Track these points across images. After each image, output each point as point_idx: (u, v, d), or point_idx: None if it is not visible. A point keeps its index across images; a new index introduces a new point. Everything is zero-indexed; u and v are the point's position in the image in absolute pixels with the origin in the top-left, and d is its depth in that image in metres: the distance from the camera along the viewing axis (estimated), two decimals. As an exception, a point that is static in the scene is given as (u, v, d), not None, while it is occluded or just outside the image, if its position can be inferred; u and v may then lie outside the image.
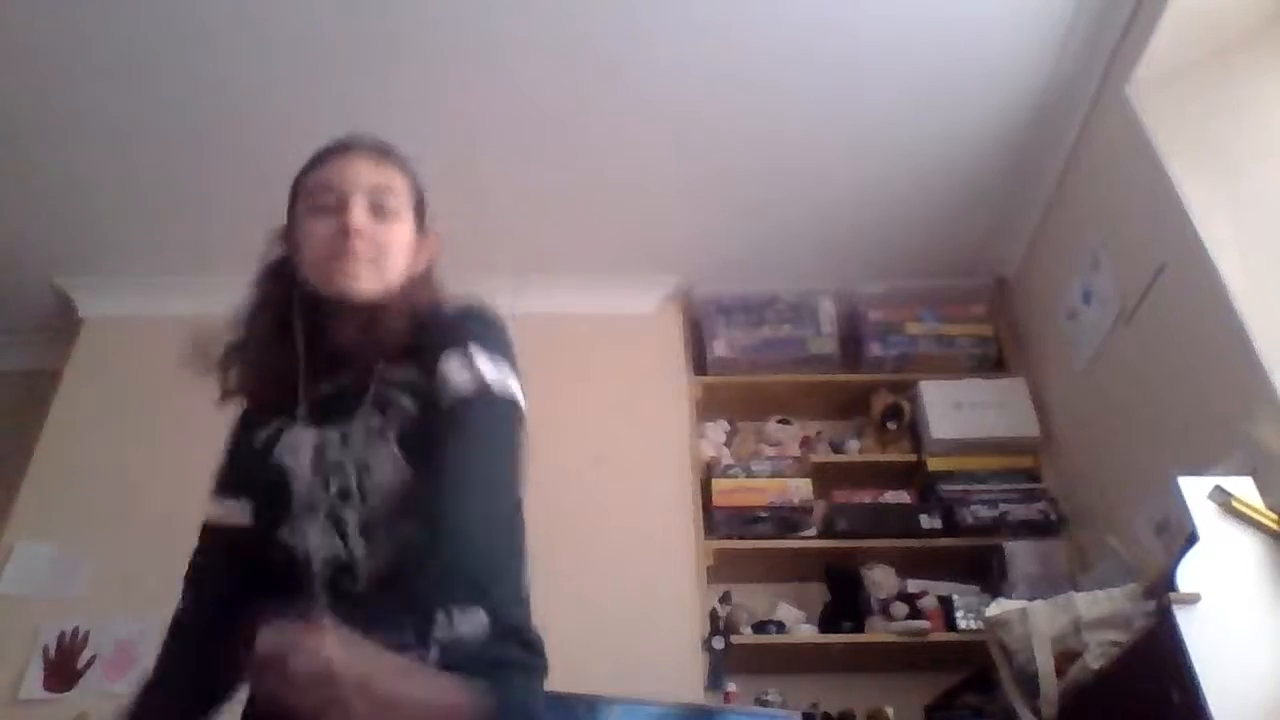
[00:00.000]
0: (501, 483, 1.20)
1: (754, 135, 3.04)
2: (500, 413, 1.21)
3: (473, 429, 1.18)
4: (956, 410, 3.27)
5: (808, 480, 3.19)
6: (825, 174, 3.18)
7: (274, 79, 2.84)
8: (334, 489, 1.24)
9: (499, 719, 1.05)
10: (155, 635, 3.01)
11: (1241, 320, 2.18)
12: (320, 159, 1.43)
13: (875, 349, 3.45)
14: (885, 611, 2.99)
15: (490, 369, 1.21)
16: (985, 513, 3.09)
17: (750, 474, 3.20)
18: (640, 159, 3.13)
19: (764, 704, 2.90)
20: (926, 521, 3.11)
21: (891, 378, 3.44)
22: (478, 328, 1.28)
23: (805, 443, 3.41)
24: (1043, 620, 2.15)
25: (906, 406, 3.36)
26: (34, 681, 2.84)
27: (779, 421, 3.45)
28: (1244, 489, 1.87)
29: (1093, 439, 3.00)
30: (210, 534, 1.42)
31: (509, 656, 1.23)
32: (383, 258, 1.32)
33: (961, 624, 2.93)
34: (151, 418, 3.31)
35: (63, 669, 2.87)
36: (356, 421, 1.26)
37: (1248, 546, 1.82)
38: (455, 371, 1.20)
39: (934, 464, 3.24)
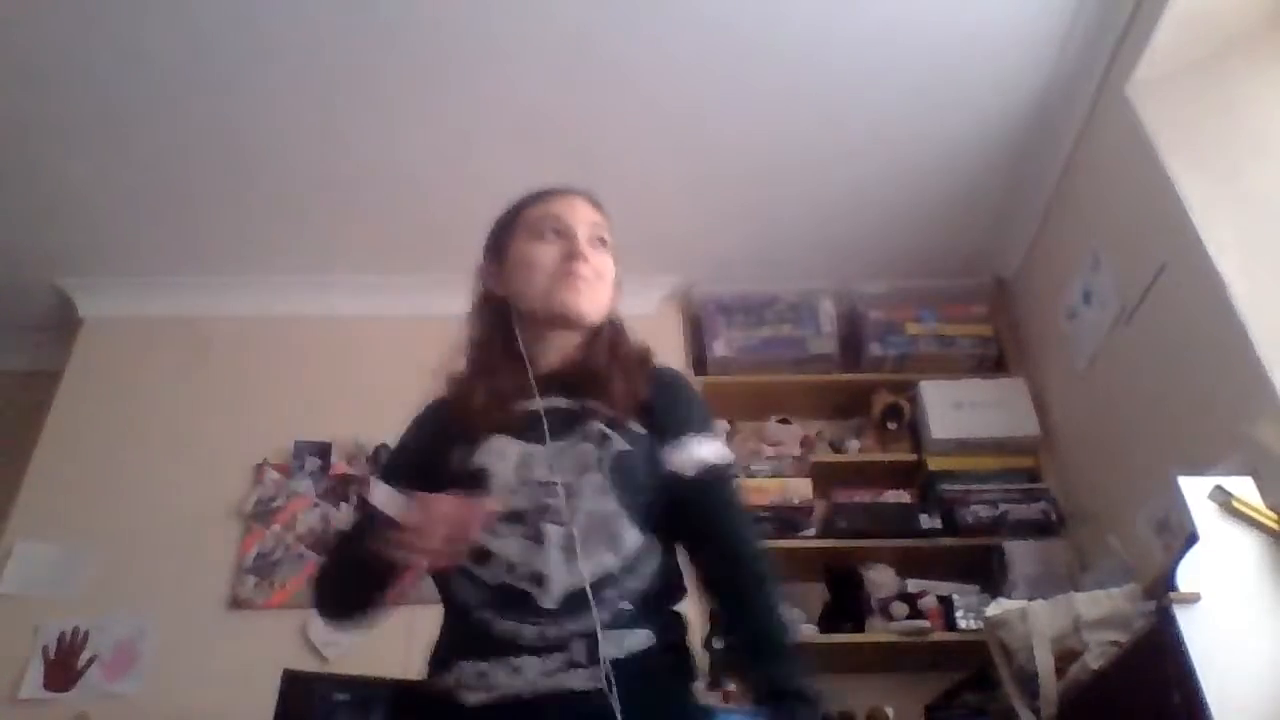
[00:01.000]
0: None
1: (754, 135, 3.05)
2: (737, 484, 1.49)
3: (734, 501, 1.44)
4: (956, 410, 3.27)
5: (808, 480, 3.19)
6: (825, 174, 3.19)
7: (274, 80, 2.84)
8: (539, 505, 1.34)
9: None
10: (155, 635, 3.05)
11: (1241, 320, 2.18)
12: (539, 196, 1.56)
13: (875, 349, 3.45)
14: (885, 611, 3.00)
15: (726, 451, 1.47)
16: (985, 512, 3.09)
17: (750, 474, 3.20)
18: (640, 159, 3.13)
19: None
20: (926, 521, 3.11)
21: (891, 377, 3.44)
22: (702, 411, 1.51)
23: (805, 442, 3.41)
24: (1043, 620, 2.15)
25: (906, 406, 3.36)
26: (34, 681, 2.84)
27: (779, 421, 3.45)
28: (1244, 489, 1.87)
29: (1093, 439, 3.00)
30: (363, 506, 1.56)
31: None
32: (600, 284, 1.49)
33: (961, 624, 2.93)
34: (151, 418, 3.32)
35: (62, 669, 2.86)
36: (567, 445, 1.38)
37: (1248, 546, 1.82)
38: (701, 447, 1.42)
39: (934, 464, 3.24)
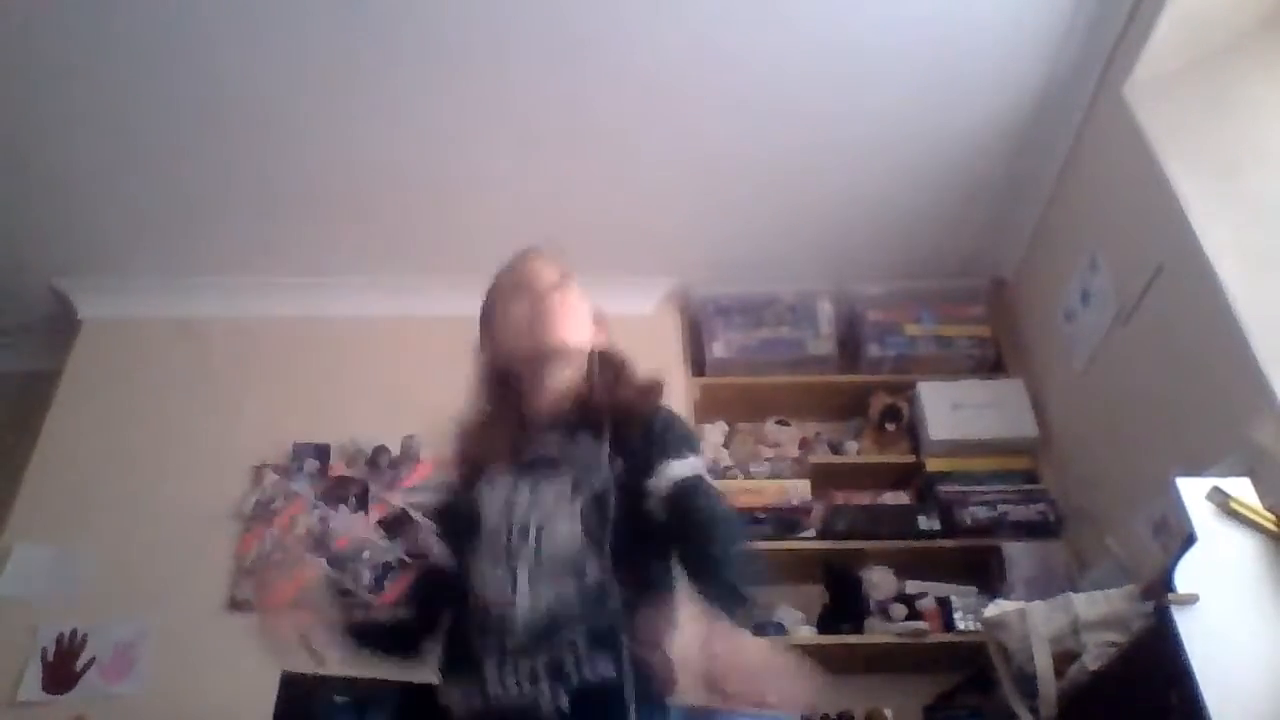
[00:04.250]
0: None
1: (752, 137, 3.05)
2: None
3: (702, 496, 1.48)
4: (955, 411, 3.27)
5: (806, 481, 3.19)
6: (823, 175, 3.19)
7: (274, 81, 2.84)
8: (513, 541, 1.48)
9: None
10: (154, 637, 3.04)
11: (1239, 321, 2.18)
12: (502, 271, 1.75)
13: (874, 350, 3.45)
14: (884, 612, 3.00)
15: (699, 464, 1.54)
16: (983, 514, 3.09)
17: (749, 475, 3.20)
18: (638, 160, 3.13)
19: (763, 705, 2.89)
20: (925, 523, 3.11)
21: (890, 379, 3.44)
22: (683, 439, 1.58)
23: (804, 444, 3.41)
24: (1041, 621, 2.15)
25: (905, 407, 3.36)
26: (32, 683, 2.84)
27: (777, 423, 3.45)
28: (1242, 490, 1.87)
29: (1091, 440, 3.00)
30: (428, 570, 1.74)
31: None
32: (573, 315, 1.64)
33: (960, 625, 2.93)
34: (151, 418, 3.32)
35: (61, 671, 2.86)
36: (546, 486, 1.51)
37: (1246, 547, 1.82)
38: (683, 468, 1.50)
39: (932, 465, 3.24)
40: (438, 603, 1.61)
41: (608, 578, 1.44)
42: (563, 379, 1.62)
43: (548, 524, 1.48)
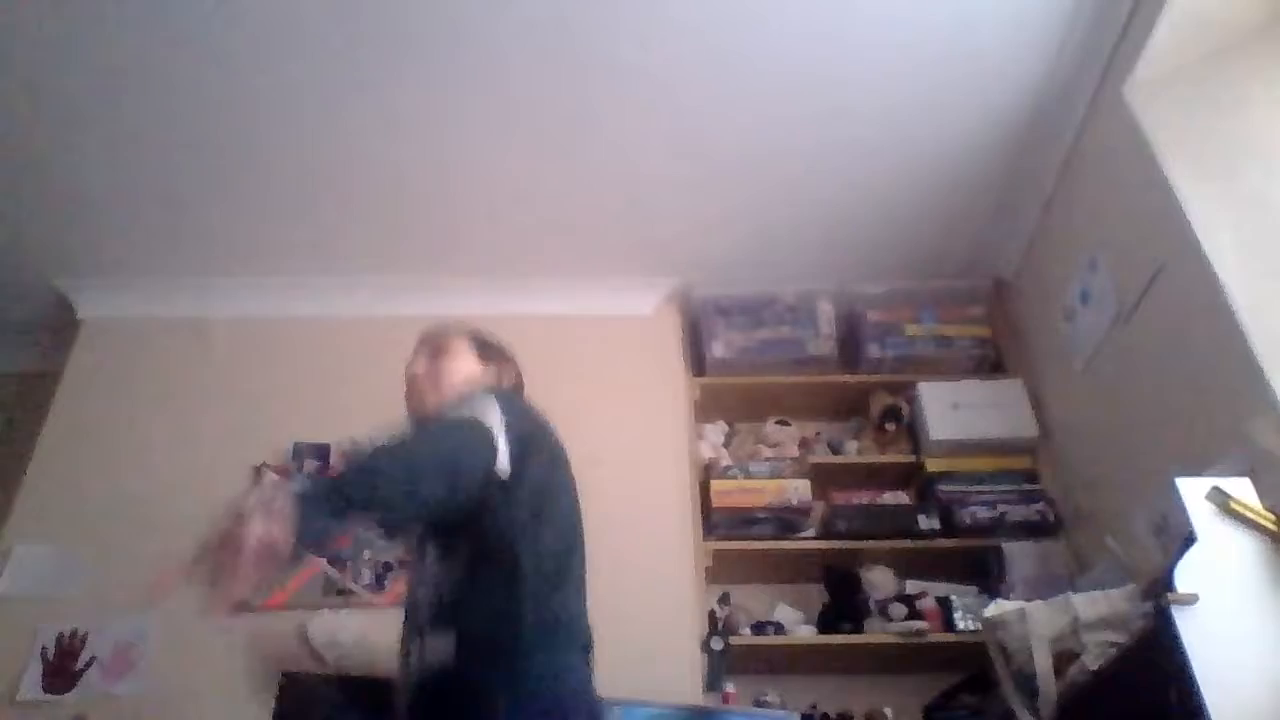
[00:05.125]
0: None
1: (752, 138, 3.05)
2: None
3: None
4: (955, 411, 3.27)
5: (806, 481, 3.18)
6: (823, 176, 3.19)
7: (274, 81, 2.84)
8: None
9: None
10: (154, 637, 3.04)
11: (1239, 321, 2.18)
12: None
13: (874, 350, 3.45)
14: (884, 612, 3.00)
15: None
16: (983, 513, 3.09)
17: (749, 475, 3.20)
18: (638, 161, 3.13)
19: (762, 705, 2.90)
20: (925, 522, 3.11)
21: (890, 379, 3.44)
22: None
23: (804, 444, 3.42)
24: (1041, 621, 2.15)
25: (905, 407, 3.36)
26: (32, 683, 2.84)
27: (777, 422, 3.45)
28: (1242, 490, 1.87)
29: (1091, 440, 3.00)
30: None
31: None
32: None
33: (960, 625, 2.93)
34: (151, 418, 3.32)
35: (61, 670, 2.86)
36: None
37: (1246, 547, 1.82)
38: None
39: (932, 465, 3.24)
40: None
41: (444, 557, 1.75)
42: None
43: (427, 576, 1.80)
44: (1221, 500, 1.85)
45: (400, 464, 1.48)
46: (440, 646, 1.62)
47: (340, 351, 3.46)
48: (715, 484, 3.17)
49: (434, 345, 2.04)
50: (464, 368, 1.99)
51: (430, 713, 1.61)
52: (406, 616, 1.80)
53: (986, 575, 3.05)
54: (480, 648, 1.60)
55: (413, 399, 1.99)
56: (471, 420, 1.64)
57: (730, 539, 3.12)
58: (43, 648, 2.89)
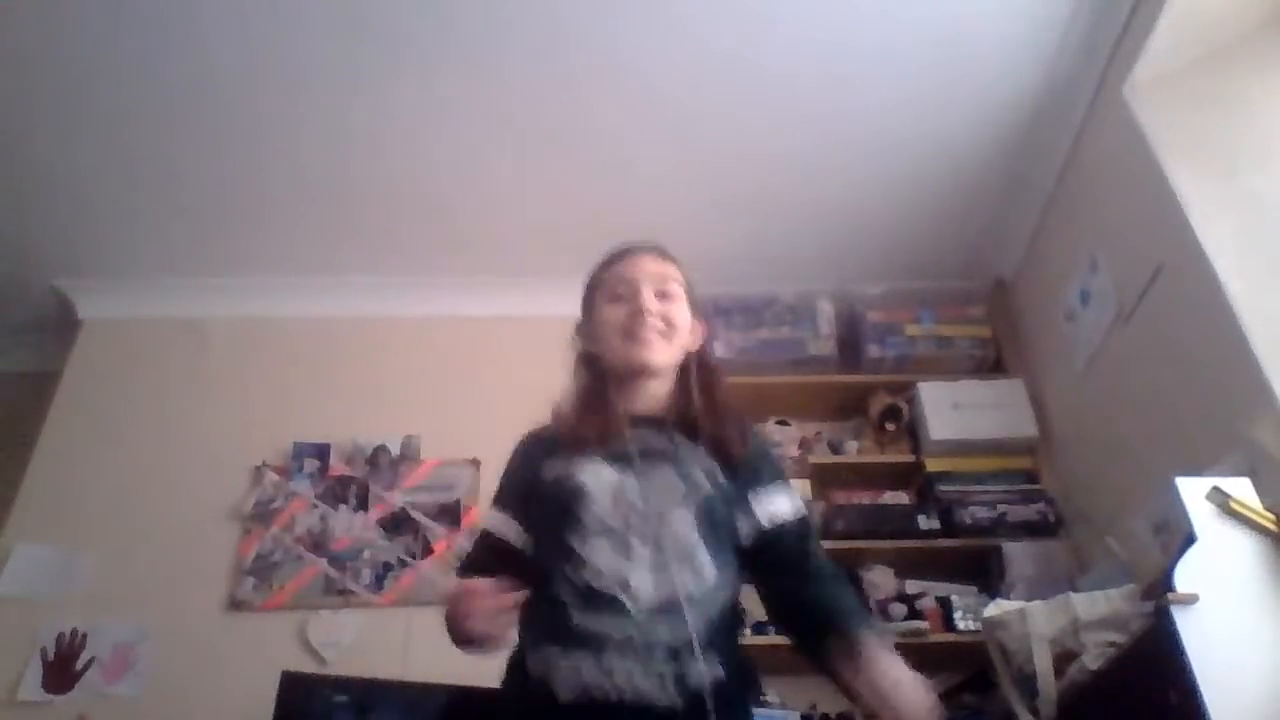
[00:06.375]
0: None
1: (752, 137, 3.05)
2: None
3: (812, 541, 1.63)
4: (955, 411, 3.27)
5: (806, 481, 3.19)
6: (823, 176, 3.19)
7: (274, 81, 2.84)
8: (631, 525, 1.49)
9: None
10: (154, 637, 3.04)
11: (1239, 321, 2.18)
12: (610, 260, 1.75)
13: (874, 350, 3.45)
14: (884, 612, 3.00)
15: (801, 505, 1.65)
16: (983, 514, 3.09)
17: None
18: (639, 160, 3.13)
19: (762, 705, 2.90)
20: (925, 522, 3.11)
21: (890, 379, 3.44)
22: (778, 466, 1.74)
23: (804, 444, 3.41)
24: (1041, 621, 2.15)
25: (905, 407, 3.36)
26: (32, 683, 2.84)
27: (777, 422, 3.45)
28: (1242, 490, 1.87)
29: (1091, 440, 3.00)
30: (483, 536, 1.66)
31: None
32: (670, 332, 1.64)
33: (960, 625, 2.93)
34: (151, 418, 3.32)
35: (61, 671, 2.86)
36: (657, 478, 1.53)
37: (1246, 547, 1.82)
38: (784, 503, 1.62)
39: (932, 465, 3.24)
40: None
41: (721, 578, 1.48)
42: (653, 387, 1.63)
43: (666, 513, 1.49)
44: (1221, 500, 1.85)
45: None
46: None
47: (340, 351, 3.46)
48: (715, 484, 3.17)
49: (669, 272, 1.74)
50: (684, 326, 1.70)
51: None
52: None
53: (987, 575, 3.05)
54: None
55: (628, 324, 1.64)
56: None
57: (730, 539, 3.12)
58: (43, 648, 2.89)
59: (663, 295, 1.67)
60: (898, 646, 2.92)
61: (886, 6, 2.66)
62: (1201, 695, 1.63)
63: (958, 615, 2.95)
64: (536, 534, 1.57)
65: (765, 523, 1.57)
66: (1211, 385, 2.31)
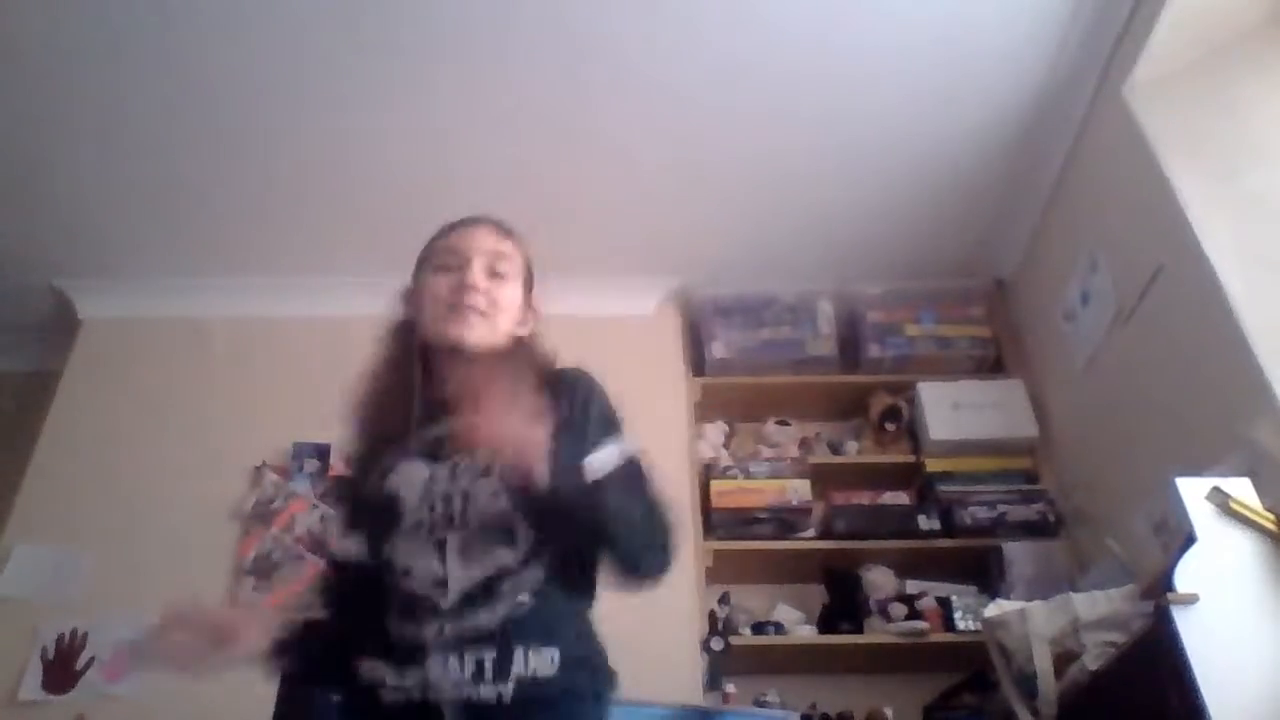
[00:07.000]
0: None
1: (752, 137, 3.05)
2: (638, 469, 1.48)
3: (636, 486, 1.46)
4: (955, 411, 3.27)
5: (806, 481, 3.18)
6: (824, 176, 3.19)
7: (274, 81, 2.84)
8: (437, 512, 1.42)
9: None
10: (154, 636, 3.00)
11: (1239, 321, 2.18)
12: (447, 230, 1.66)
13: (874, 350, 3.45)
14: (884, 612, 3.00)
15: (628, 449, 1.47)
16: (983, 514, 3.09)
17: (749, 475, 3.20)
18: (639, 160, 3.13)
19: (762, 705, 2.90)
20: (925, 522, 3.11)
21: (890, 379, 3.44)
22: (605, 414, 1.53)
23: (804, 444, 3.41)
24: (1041, 621, 2.15)
25: (905, 408, 3.36)
26: (32, 683, 2.84)
27: (777, 423, 3.45)
28: (1242, 490, 1.87)
29: (1091, 440, 3.00)
30: (337, 567, 1.59)
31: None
32: (494, 313, 1.53)
33: (960, 625, 2.93)
34: (151, 418, 3.32)
35: (61, 670, 2.86)
36: (467, 460, 1.43)
37: (1246, 547, 1.82)
38: (594, 463, 1.40)
39: (932, 465, 3.24)
40: (349, 603, 1.49)
41: (536, 546, 1.40)
42: (472, 366, 1.48)
43: (473, 487, 1.41)
44: (1221, 500, 1.85)
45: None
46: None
47: (340, 351, 3.43)
48: (715, 484, 3.17)
49: (505, 249, 1.64)
50: (513, 307, 1.61)
51: None
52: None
53: (987, 575, 3.04)
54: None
55: (452, 300, 1.54)
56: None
57: (730, 539, 3.12)
58: (43, 648, 2.89)
59: (493, 274, 1.56)
60: (898, 646, 2.96)
61: (887, 7, 2.66)
62: (1201, 695, 1.63)
63: (958, 615, 2.95)
64: (369, 547, 1.48)
65: (595, 476, 1.39)
66: (1211, 385, 2.31)
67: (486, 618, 1.35)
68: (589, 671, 1.42)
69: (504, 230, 1.67)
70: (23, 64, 2.76)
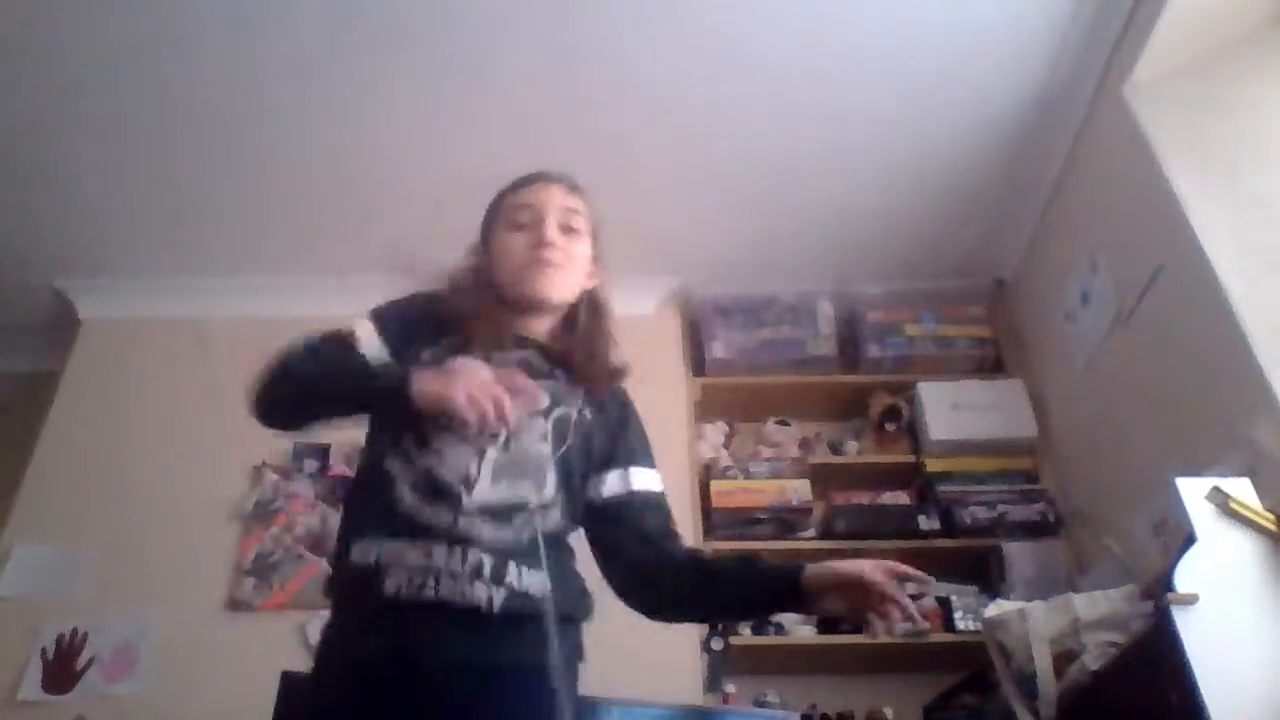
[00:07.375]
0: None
1: (752, 138, 3.05)
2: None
3: (658, 518, 1.60)
4: (955, 411, 3.27)
5: (806, 481, 3.19)
6: (824, 176, 3.19)
7: (274, 82, 2.84)
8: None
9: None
10: (154, 637, 3.04)
11: (1239, 322, 2.18)
12: (519, 184, 1.70)
13: (874, 350, 3.45)
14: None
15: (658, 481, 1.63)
16: (983, 514, 3.09)
17: (749, 475, 3.20)
18: (638, 161, 3.13)
19: (763, 705, 2.90)
20: (925, 522, 3.12)
21: (890, 379, 3.44)
22: (643, 443, 1.65)
23: (804, 444, 3.42)
24: (1041, 621, 2.15)
25: (905, 407, 3.36)
26: (32, 683, 2.84)
27: (777, 423, 3.45)
28: (1242, 490, 1.87)
29: (1091, 440, 3.00)
30: (348, 338, 1.63)
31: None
32: (569, 266, 1.59)
33: (960, 625, 2.93)
34: (151, 418, 3.32)
35: (61, 671, 2.86)
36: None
37: (1245, 547, 1.82)
38: (642, 478, 1.60)
39: (932, 465, 3.24)
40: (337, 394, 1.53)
41: (557, 495, 1.48)
42: (542, 318, 1.60)
43: (522, 423, 1.45)
44: (1221, 500, 1.85)
45: None
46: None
47: (340, 352, 3.45)
48: (715, 484, 3.17)
49: (575, 205, 1.68)
50: (584, 263, 1.67)
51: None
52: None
53: (987, 575, 3.04)
54: None
55: (528, 257, 1.59)
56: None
57: (730, 539, 3.11)
58: (43, 648, 2.89)
59: (567, 230, 1.61)
60: (898, 646, 2.96)
61: (887, 7, 2.66)
62: (1201, 695, 1.63)
63: (958, 615, 2.95)
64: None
65: (623, 492, 1.57)
66: (1211, 385, 2.31)
67: (492, 535, 1.39)
68: (575, 597, 1.48)
69: (573, 185, 1.70)
70: (23, 64, 2.76)
